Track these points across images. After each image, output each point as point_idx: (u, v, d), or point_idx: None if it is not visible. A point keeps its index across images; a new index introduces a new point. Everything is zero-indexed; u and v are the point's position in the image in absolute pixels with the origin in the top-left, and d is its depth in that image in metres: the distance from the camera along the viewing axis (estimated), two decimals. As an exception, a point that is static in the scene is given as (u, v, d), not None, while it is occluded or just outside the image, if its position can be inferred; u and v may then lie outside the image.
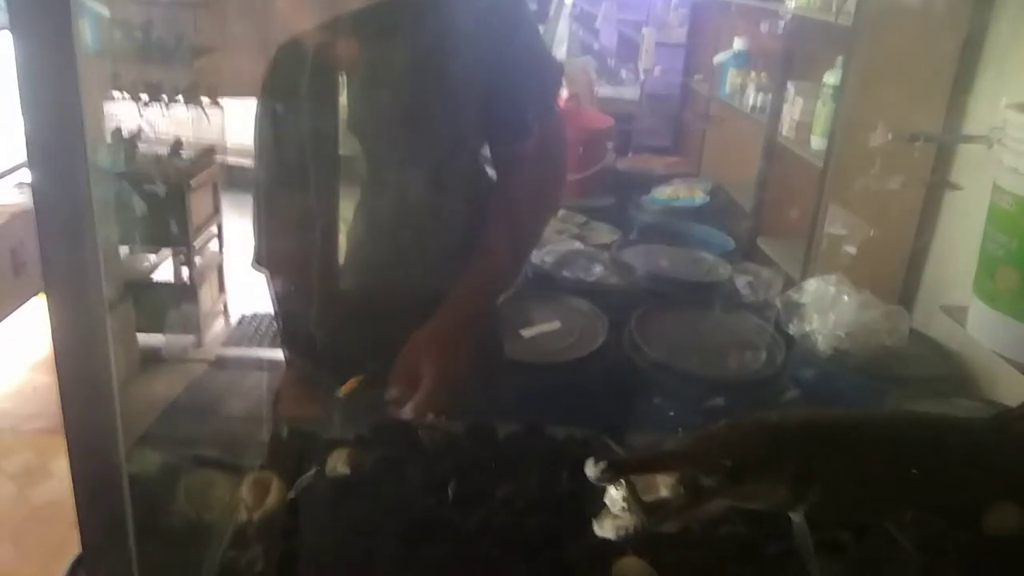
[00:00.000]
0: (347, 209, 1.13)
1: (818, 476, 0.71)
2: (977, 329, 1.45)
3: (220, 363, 3.13)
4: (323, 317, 1.12)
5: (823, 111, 2.17)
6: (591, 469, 0.62)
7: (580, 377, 1.88)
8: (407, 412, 0.99)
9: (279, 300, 1.16)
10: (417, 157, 1.08)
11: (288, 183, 1.11)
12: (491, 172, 1.20)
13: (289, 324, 1.19)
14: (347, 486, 0.81)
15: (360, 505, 0.78)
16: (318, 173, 1.07)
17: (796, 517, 0.72)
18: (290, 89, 1.04)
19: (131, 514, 0.51)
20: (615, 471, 0.62)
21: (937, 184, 1.87)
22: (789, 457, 0.70)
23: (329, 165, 1.07)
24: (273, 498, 0.77)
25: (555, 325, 2.01)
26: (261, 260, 1.16)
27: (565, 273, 2.24)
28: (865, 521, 0.78)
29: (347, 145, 1.08)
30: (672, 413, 1.73)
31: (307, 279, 1.11)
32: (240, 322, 3.42)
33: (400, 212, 1.10)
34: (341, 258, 1.13)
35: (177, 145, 3.34)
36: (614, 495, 0.65)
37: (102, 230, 0.51)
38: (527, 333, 1.98)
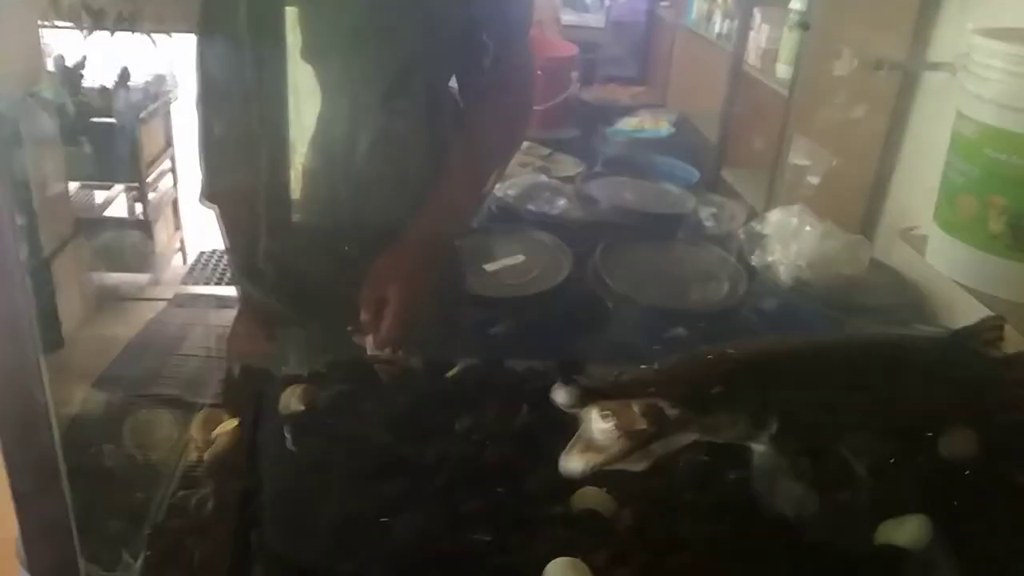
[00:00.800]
0: (301, 140, 1.08)
1: (779, 405, 0.71)
2: (936, 257, 1.46)
3: (178, 301, 3.06)
4: (275, 252, 1.08)
5: (789, 38, 2.13)
6: (560, 394, 0.61)
7: (544, 311, 1.87)
8: (373, 340, 0.97)
9: (229, 236, 1.12)
10: (377, 84, 1.04)
11: (232, 113, 1.05)
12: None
13: (240, 260, 1.15)
14: (302, 422, 0.79)
15: (315, 441, 0.77)
16: (264, 102, 1.02)
17: (758, 447, 0.72)
18: (230, 10, 0.99)
19: (62, 456, 0.48)
20: (585, 396, 0.62)
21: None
22: (750, 386, 0.69)
23: (276, 93, 1.02)
24: (224, 437, 0.75)
25: (519, 259, 1.99)
26: (209, 195, 1.11)
27: (529, 206, 2.21)
28: (824, 447, 0.78)
29: (299, 71, 1.03)
30: (636, 345, 1.74)
31: (256, 213, 1.07)
32: (199, 259, 3.34)
33: (358, 143, 1.06)
34: (296, 191, 1.10)
35: (125, 75, 3.20)
36: (598, 426, 0.64)
37: (45, 165, 0.47)
38: (490, 267, 1.96)
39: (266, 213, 1.06)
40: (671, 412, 0.64)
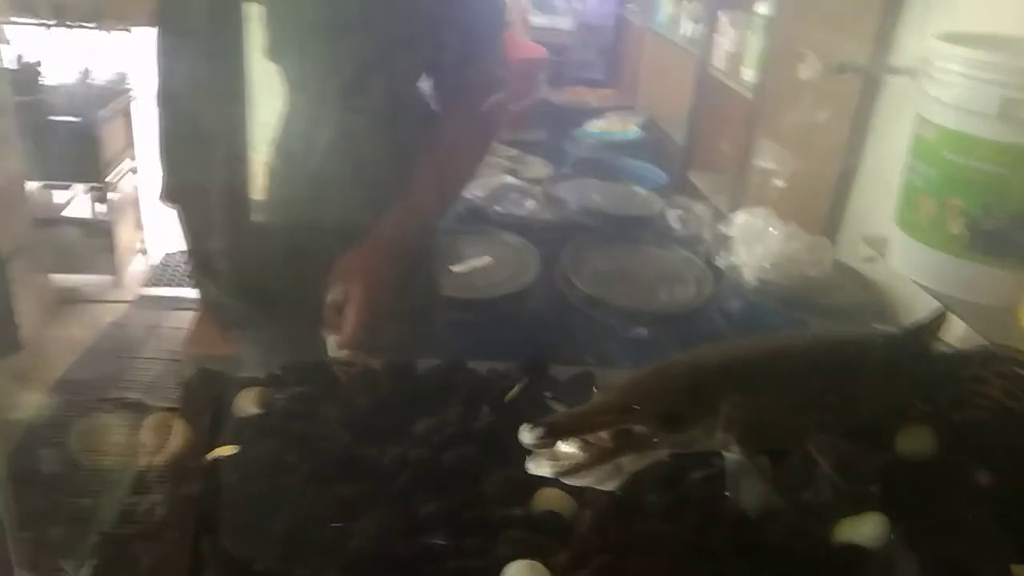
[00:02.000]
0: (262, 138, 1.06)
1: (745, 412, 0.70)
2: (897, 259, 1.48)
3: (141, 303, 3.01)
4: (235, 252, 1.06)
5: (754, 42, 2.15)
6: (527, 436, 0.60)
7: (512, 312, 1.87)
8: (337, 340, 0.96)
9: (189, 235, 1.10)
10: (336, 82, 1.03)
11: (191, 110, 1.03)
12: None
13: (200, 260, 1.12)
14: (257, 425, 0.78)
15: (271, 444, 0.75)
16: (223, 99, 1.00)
17: (730, 454, 0.71)
18: (188, 5, 0.97)
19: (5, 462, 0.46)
20: (552, 435, 0.61)
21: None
22: (717, 399, 0.69)
23: (235, 90, 1.00)
24: (176, 441, 0.73)
25: (486, 260, 1.99)
26: (168, 193, 1.09)
27: (497, 208, 2.21)
28: (789, 448, 0.78)
29: (262, 69, 1.01)
30: (603, 345, 1.74)
31: (217, 212, 1.04)
32: (162, 260, 3.29)
33: (317, 141, 1.05)
34: (258, 190, 1.08)
35: (85, 73, 3.13)
36: (562, 449, 0.63)
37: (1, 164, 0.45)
38: (458, 269, 1.95)
39: (226, 212, 1.04)
40: (639, 430, 0.63)
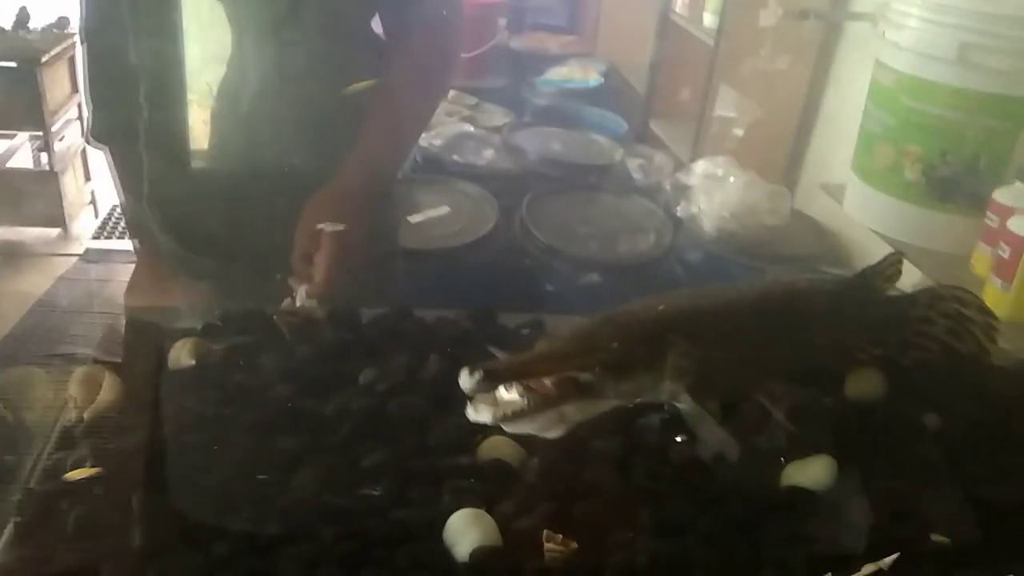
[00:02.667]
0: (194, 76, 1.01)
1: (694, 362, 0.69)
2: (853, 206, 1.48)
3: (89, 256, 2.92)
4: (170, 198, 1.02)
5: (716, -14, 2.11)
6: (466, 380, 0.58)
7: (469, 263, 1.84)
8: (306, 289, 0.93)
9: (121, 178, 1.05)
10: (268, 14, 0.97)
11: (120, 45, 0.97)
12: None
13: (133, 205, 1.08)
14: (193, 377, 0.75)
15: (207, 396, 0.72)
16: (153, 32, 0.94)
17: (683, 405, 0.70)
18: None
19: None
20: (491, 380, 0.59)
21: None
22: (664, 347, 0.68)
23: (166, 23, 0.94)
24: (105, 394, 0.70)
25: (443, 210, 1.95)
26: (98, 133, 1.03)
27: (455, 157, 2.16)
28: (742, 398, 0.77)
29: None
30: (559, 294, 1.72)
31: (147, 155, 0.99)
32: (111, 212, 3.19)
33: (260, 82, 1.00)
34: (196, 131, 1.03)
35: (23, 16, 2.99)
36: (503, 394, 0.61)
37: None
38: (414, 219, 1.91)
39: (157, 154, 0.99)
40: (585, 378, 0.62)
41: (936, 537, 0.64)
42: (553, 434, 0.64)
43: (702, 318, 0.73)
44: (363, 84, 0.98)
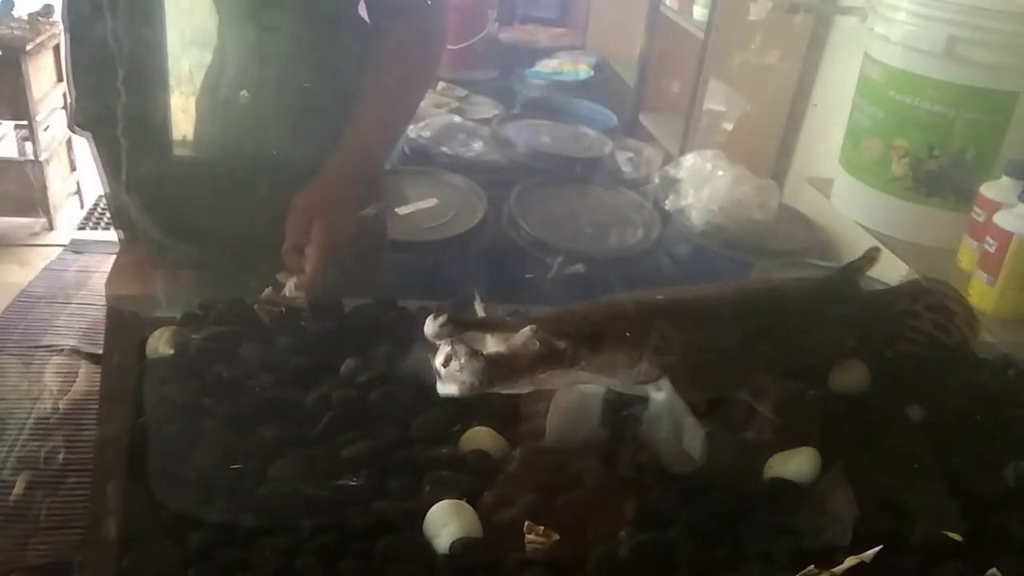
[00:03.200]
0: (176, 63, 0.99)
1: (676, 346, 0.69)
2: (841, 200, 1.48)
3: (75, 247, 2.89)
4: (151, 186, 1.00)
5: (707, -22, 2.10)
6: (430, 325, 0.58)
7: (458, 255, 1.83)
8: (296, 281, 0.92)
9: (104, 166, 1.03)
10: (275, 6, 0.96)
11: (102, 30, 0.96)
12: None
13: (116, 193, 1.06)
14: (172, 366, 0.74)
15: (185, 386, 0.71)
16: (135, 18, 0.93)
17: (657, 395, 0.70)
18: None
19: None
20: (455, 327, 0.58)
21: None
22: (647, 330, 0.68)
23: (148, 8, 0.93)
24: (81, 384, 0.69)
25: (432, 202, 1.94)
26: (80, 120, 1.02)
27: (443, 148, 2.15)
28: (725, 394, 0.77)
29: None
30: (546, 286, 1.72)
31: (129, 143, 0.98)
32: (97, 202, 3.16)
33: (240, 68, 0.98)
34: (184, 122, 1.01)
35: (8, 4, 2.95)
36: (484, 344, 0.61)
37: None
38: (402, 210, 1.90)
39: (134, 139, 0.97)
40: (558, 345, 0.61)
41: (950, 534, 0.64)
42: (516, 390, 0.63)
43: (684, 306, 0.73)
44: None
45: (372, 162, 1.10)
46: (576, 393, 0.70)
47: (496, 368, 0.59)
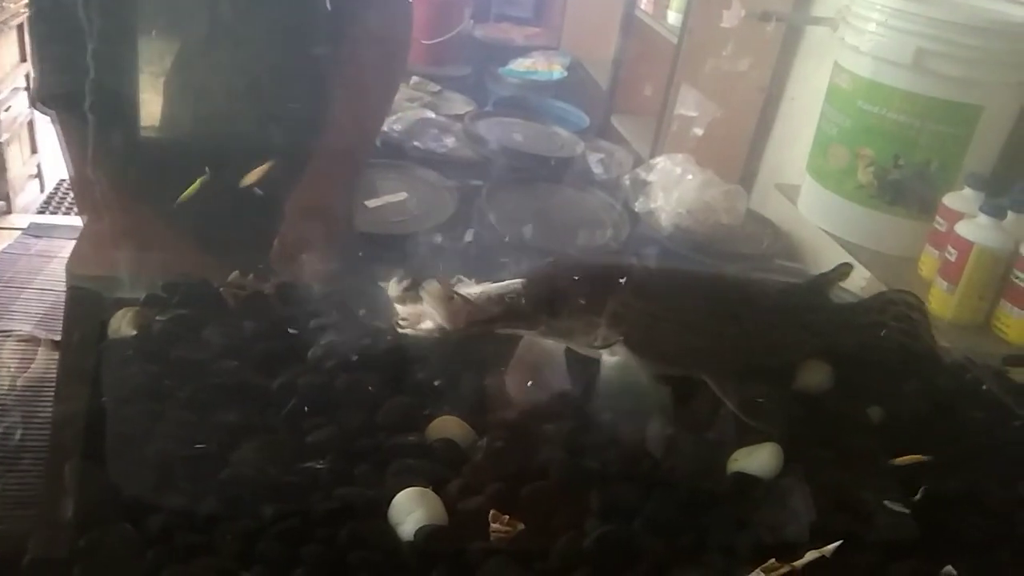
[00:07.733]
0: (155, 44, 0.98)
1: (635, 316, 0.71)
2: (807, 206, 1.50)
3: (34, 231, 2.82)
4: (115, 166, 0.98)
5: (681, -16, 2.12)
6: (393, 287, 0.59)
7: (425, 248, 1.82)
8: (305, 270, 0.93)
9: (67, 145, 1.01)
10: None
11: (67, 8, 0.94)
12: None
13: (78, 172, 1.04)
14: (134, 347, 0.72)
15: (146, 368, 0.70)
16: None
17: (609, 359, 0.71)
18: None
19: None
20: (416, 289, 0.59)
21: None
22: (606, 295, 0.69)
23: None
24: (39, 362, 0.67)
25: (401, 196, 1.93)
26: (43, 97, 1.00)
27: (415, 143, 2.14)
28: (687, 370, 0.78)
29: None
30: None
31: (94, 122, 0.96)
32: (58, 186, 3.09)
33: (226, 61, 0.97)
34: (149, 98, 0.99)
35: (-32, -21, 2.87)
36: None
37: None
38: (372, 204, 1.89)
39: (101, 116, 0.95)
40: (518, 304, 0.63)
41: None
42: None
43: (648, 278, 0.75)
44: (258, 170, 0.98)
45: (358, 148, 1.11)
46: (540, 347, 0.72)
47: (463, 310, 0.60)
